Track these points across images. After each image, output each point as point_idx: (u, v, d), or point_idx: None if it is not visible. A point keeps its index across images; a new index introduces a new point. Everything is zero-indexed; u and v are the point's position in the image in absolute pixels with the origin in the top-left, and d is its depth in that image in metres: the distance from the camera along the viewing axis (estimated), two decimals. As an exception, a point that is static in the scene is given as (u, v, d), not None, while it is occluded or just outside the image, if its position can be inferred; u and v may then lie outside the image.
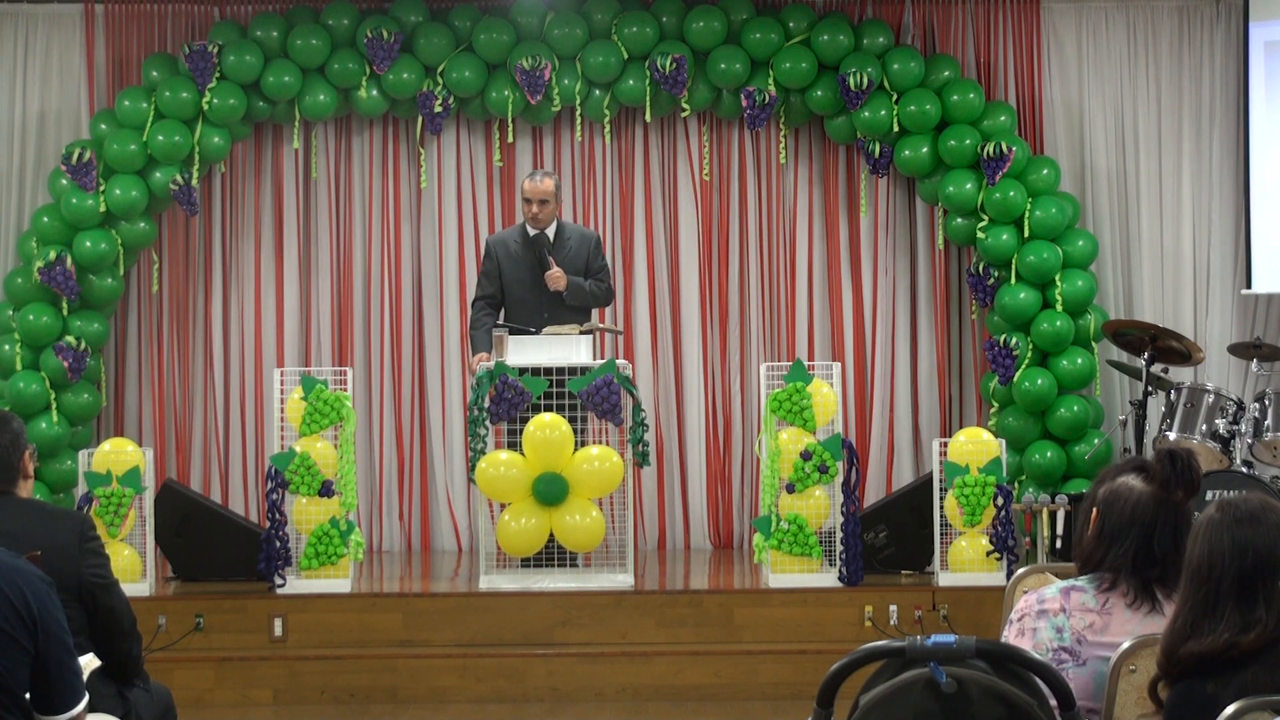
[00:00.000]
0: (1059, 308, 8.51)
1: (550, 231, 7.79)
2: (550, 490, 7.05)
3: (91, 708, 3.53)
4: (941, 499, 7.25)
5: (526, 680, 6.90)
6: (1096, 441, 8.41)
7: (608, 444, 7.30)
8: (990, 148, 8.55)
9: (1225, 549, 2.93)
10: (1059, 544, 7.30)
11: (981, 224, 8.62)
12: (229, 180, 9.15)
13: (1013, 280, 8.57)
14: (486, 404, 7.13)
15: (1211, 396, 7.69)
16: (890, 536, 7.58)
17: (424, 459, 9.19)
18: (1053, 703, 2.65)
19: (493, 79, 8.84)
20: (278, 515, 7.17)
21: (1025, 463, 8.55)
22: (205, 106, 8.58)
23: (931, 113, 8.67)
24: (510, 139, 9.01)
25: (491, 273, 7.83)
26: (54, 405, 8.46)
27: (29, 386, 8.38)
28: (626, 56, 8.83)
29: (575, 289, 7.69)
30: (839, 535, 7.21)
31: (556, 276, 7.63)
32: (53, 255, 8.39)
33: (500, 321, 7.74)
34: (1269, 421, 7.57)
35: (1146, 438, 7.79)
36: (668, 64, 8.69)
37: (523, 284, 7.74)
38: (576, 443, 7.14)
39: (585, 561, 7.49)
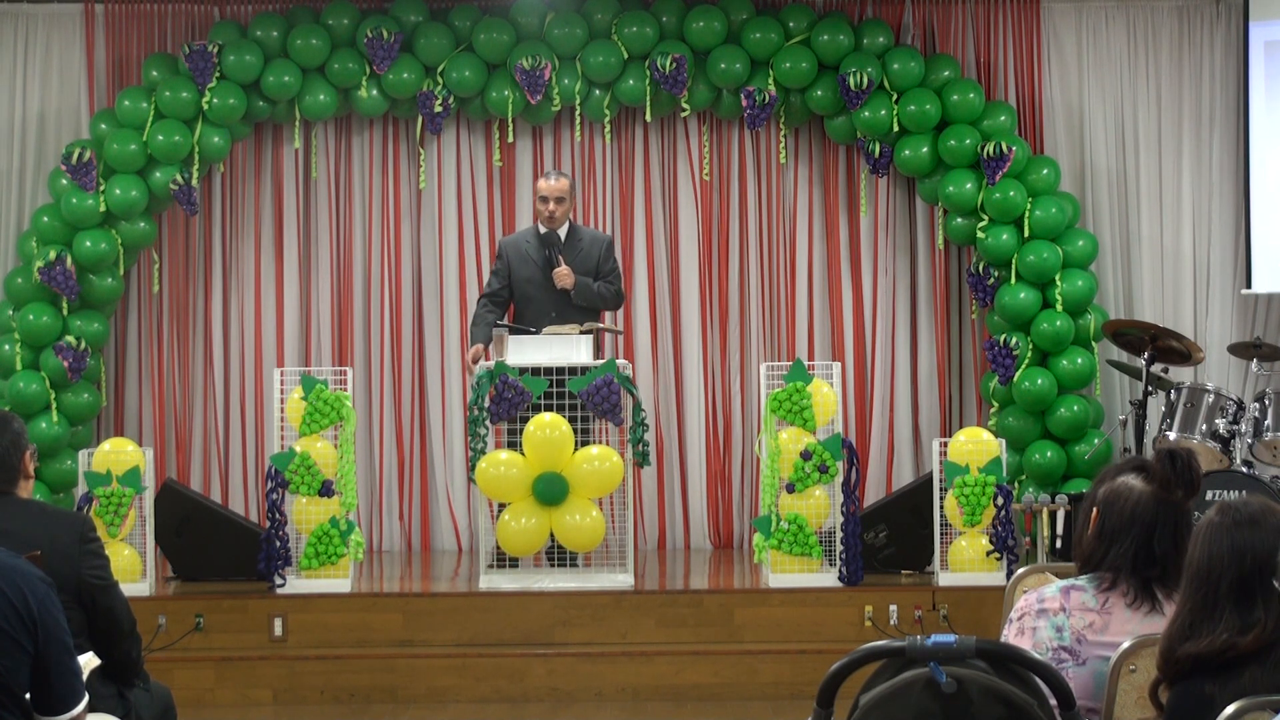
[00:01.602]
0: (1059, 308, 8.51)
1: (562, 232, 7.82)
2: (550, 490, 7.05)
3: (91, 708, 3.53)
4: (941, 499, 7.25)
5: (526, 680, 6.90)
6: (1096, 441, 8.41)
7: (608, 444, 7.30)
8: (990, 148, 8.55)
9: (1224, 552, 2.93)
10: (1059, 544, 7.29)
11: (981, 224, 8.62)
12: (229, 180, 9.15)
13: (1013, 280, 8.57)
14: (486, 404, 7.13)
15: (1211, 396, 7.69)
16: (890, 536, 7.58)
17: (424, 459, 9.19)
18: (1053, 702, 2.65)
19: (493, 79, 8.84)
20: (278, 515, 7.17)
21: (1025, 463, 8.55)
22: (205, 106, 8.58)
23: (931, 113, 8.67)
24: (510, 139, 9.01)
25: (501, 271, 7.86)
26: (54, 405, 8.46)
27: (29, 386, 8.38)
28: (626, 56, 8.83)
29: (583, 288, 7.71)
30: (839, 535, 7.21)
31: (564, 274, 7.66)
32: (53, 255, 8.39)
33: (510, 320, 7.77)
34: (1269, 421, 7.57)
35: (1146, 438, 7.79)
36: (668, 64, 8.69)
37: (533, 283, 7.77)
38: (577, 442, 7.14)
39: (585, 561, 7.50)
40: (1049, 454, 8.47)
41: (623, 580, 7.26)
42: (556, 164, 9.13)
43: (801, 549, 7.20)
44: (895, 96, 8.69)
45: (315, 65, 8.75)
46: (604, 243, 7.97)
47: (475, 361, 7.54)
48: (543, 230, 7.81)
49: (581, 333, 7.42)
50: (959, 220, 8.77)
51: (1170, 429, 7.69)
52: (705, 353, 9.18)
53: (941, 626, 7.04)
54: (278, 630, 7.05)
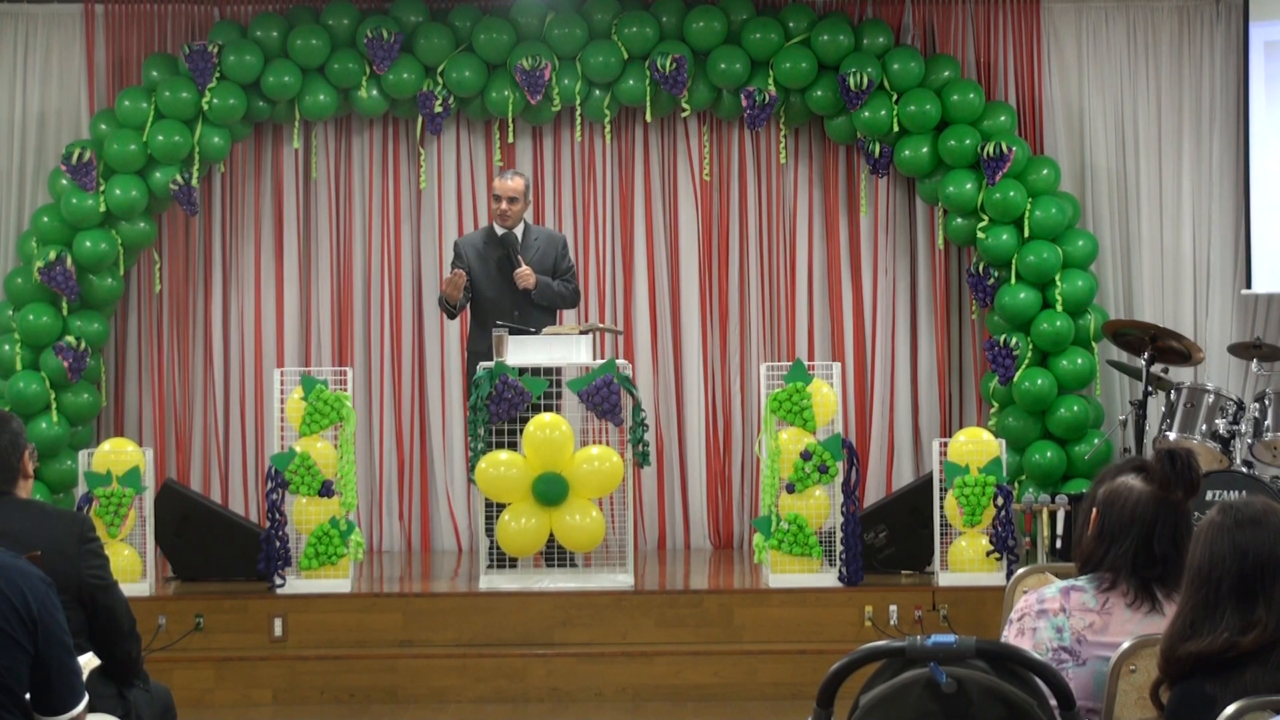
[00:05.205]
0: (1059, 308, 8.50)
1: (518, 232, 7.82)
2: (550, 490, 7.05)
3: (91, 708, 3.53)
4: (941, 499, 7.25)
5: (526, 680, 6.90)
6: (1096, 441, 8.41)
7: (607, 444, 7.30)
8: (990, 148, 8.54)
9: (1226, 552, 2.93)
10: (1059, 544, 7.30)
11: (981, 224, 8.62)
12: (229, 180, 9.15)
13: (1013, 280, 8.56)
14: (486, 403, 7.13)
15: (1211, 396, 7.69)
16: (890, 536, 7.58)
17: (424, 459, 9.18)
18: (1053, 703, 2.65)
19: (493, 79, 8.84)
20: (278, 515, 7.17)
21: (1025, 463, 8.54)
22: (205, 106, 8.58)
23: (931, 113, 8.66)
24: (510, 139, 9.01)
25: (461, 267, 7.82)
26: (54, 405, 8.45)
27: (29, 386, 8.37)
28: (626, 56, 8.83)
29: (544, 288, 7.73)
30: (839, 535, 7.21)
31: (525, 274, 7.66)
32: (53, 255, 8.38)
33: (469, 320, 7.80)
34: (1269, 421, 7.57)
35: (1146, 438, 7.78)
36: (668, 64, 8.69)
37: (492, 282, 7.75)
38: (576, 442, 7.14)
39: (585, 561, 7.50)
40: (1049, 454, 8.47)
41: (623, 580, 7.26)
42: (556, 164, 9.14)
43: (801, 549, 7.20)
44: (895, 97, 8.69)
45: (315, 65, 8.75)
46: (560, 242, 8.00)
47: (455, 279, 7.56)
48: (499, 230, 7.80)
49: (581, 333, 7.42)
50: (959, 220, 8.77)
51: (1170, 429, 7.69)
52: (705, 353, 9.18)
53: (941, 627, 7.04)
54: (278, 630, 7.05)
